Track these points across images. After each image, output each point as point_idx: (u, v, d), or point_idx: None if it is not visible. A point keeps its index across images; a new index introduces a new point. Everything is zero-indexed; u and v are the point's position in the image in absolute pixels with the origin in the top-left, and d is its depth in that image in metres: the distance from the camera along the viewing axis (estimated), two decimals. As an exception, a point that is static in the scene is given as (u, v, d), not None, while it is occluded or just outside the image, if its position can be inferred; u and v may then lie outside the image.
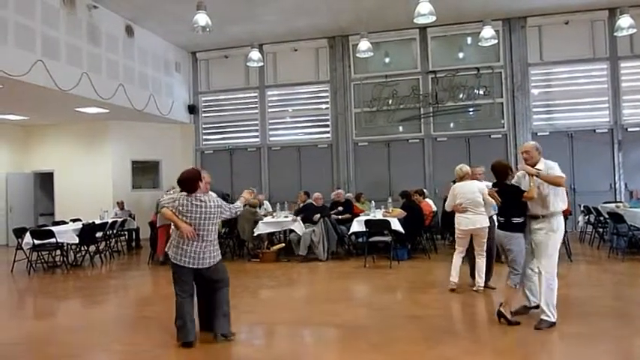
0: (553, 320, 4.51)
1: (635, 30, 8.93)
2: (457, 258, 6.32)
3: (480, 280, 6.17)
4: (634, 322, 4.77)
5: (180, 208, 4.35)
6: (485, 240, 6.14)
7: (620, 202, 10.30)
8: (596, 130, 11.86)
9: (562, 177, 4.55)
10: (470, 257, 6.40)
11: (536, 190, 4.51)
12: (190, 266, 4.34)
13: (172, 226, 4.47)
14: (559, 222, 4.61)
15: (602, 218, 9.40)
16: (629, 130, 11.73)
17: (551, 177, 4.52)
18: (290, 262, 9.08)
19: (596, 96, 11.98)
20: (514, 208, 4.71)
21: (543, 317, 4.52)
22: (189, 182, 4.38)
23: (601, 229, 9.63)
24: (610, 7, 11.42)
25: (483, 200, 6.09)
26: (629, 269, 7.44)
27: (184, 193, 4.41)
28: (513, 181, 4.86)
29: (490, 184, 6.18)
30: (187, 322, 4.36)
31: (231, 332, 4.54)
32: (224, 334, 4.47)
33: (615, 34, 9.56)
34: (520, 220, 4.69)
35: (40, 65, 8.76)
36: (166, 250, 4.52)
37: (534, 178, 4.52)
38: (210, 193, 4.59)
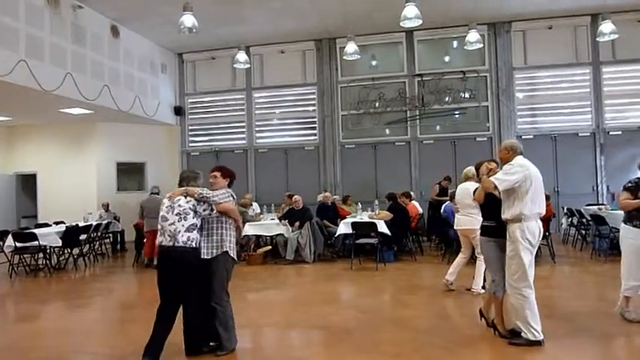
0: (531, 338, 4.13)
1: (616, 35, 9.09)
2: (458, 258, 6.41)
3: (475, 283, 6.14)
4: (617, 322, 4.84)
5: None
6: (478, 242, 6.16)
7: (603, 204, 10.49)
8: (579, 134, 12.06)
9: (479, 192, 4.35)
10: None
11: (482, 192, 4.29)
12: None
13: (230, 223, 4.28)
14: (515, 230, 4.11)
15: (584, 220, 9.55)
16: (610, 133, 11.94)
17: (484, 184, 4.26)
18: (277, 264, 9.06)
19: (578, 100, 12.19)
20: (483, 210, 4.60)
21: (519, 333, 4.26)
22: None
23: (584, 231, 9.77)
24: (592, 13, 11.63)
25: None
26: (610, 270, 7.53)
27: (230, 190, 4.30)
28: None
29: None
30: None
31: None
32: None
33: (597, 39, 9.73)
34: (487, 223, 4.46)
35: (23, 65, 8.63)
36: (226, 250, 4.22)
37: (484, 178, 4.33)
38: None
